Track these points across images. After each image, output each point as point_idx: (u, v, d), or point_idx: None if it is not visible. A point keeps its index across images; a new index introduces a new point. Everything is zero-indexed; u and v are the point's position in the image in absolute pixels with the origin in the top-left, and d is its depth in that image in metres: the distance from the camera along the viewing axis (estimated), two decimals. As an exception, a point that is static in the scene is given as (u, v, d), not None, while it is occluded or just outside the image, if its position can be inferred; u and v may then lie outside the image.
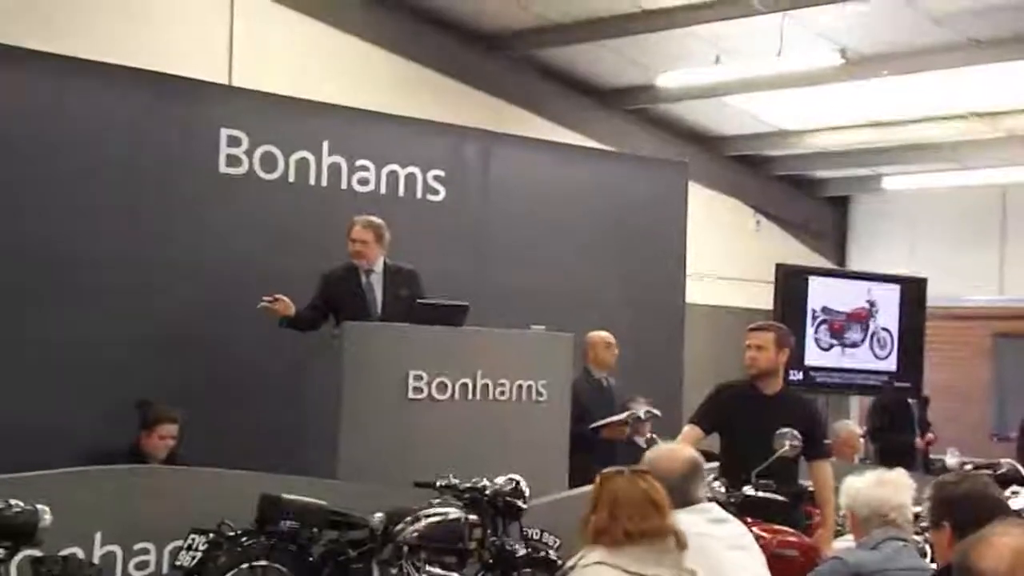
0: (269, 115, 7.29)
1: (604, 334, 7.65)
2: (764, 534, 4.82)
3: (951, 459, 8.72)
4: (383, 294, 6.52)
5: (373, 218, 6.59)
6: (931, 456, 10.15)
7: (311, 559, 4.94)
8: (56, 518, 4.10)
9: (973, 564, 2.35)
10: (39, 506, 4.07)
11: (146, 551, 5.00)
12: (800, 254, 14.11)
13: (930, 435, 10.35)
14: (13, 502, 4.07)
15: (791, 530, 5.18)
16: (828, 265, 14.26)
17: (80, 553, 4.68)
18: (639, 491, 3.23)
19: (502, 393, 6.41)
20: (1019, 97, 11.33)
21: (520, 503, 5.25)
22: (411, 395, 6.13)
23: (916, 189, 13.78)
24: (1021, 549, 2.35)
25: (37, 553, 4.20)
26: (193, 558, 4.62)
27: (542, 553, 5.46)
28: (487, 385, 6.36)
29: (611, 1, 10.00)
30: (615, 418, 7.33)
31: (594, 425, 7.23)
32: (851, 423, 8.97)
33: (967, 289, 13.50)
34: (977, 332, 13.95)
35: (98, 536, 4.84)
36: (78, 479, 4.92)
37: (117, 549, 4.91)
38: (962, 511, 3.18)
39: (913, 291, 11.52)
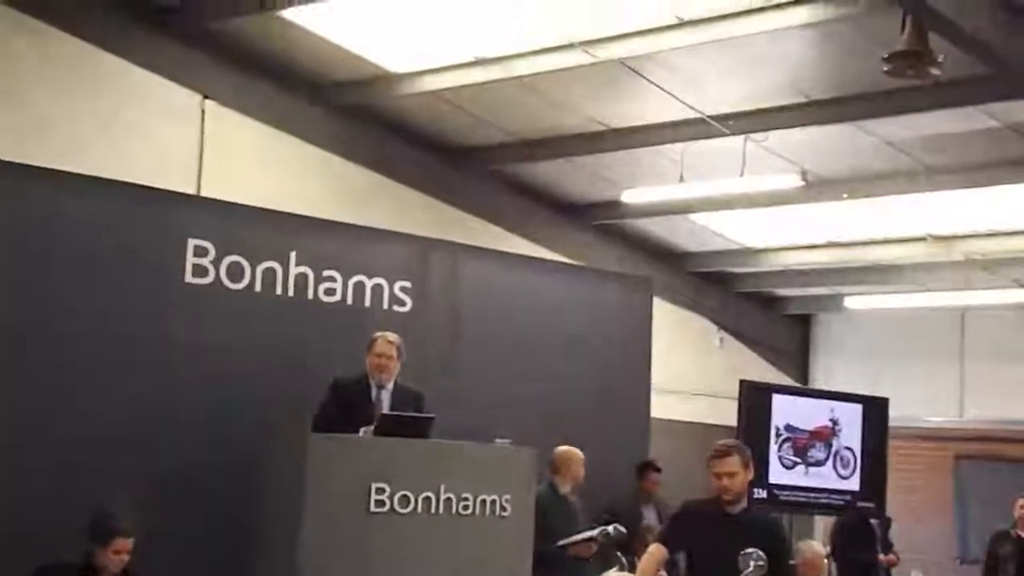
0: (236, 225, 7.31)
1: (577, 450, 7.61)
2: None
3: (916, 581, 8.68)
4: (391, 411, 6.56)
5: (395, 336, 6.78)
6: (895, 577, 10.11)
7: None
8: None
9: None
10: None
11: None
12: (763, 371, 14.19)
13: (892, 555, 10.31)
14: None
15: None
16: (791, 382, 14.34)
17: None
18: None
19: (465, 507, 6.32)
20: (975, 222, 11.59)
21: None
22: (373, 508, 6.04)
23: (877, 309, 13.96)
24: None
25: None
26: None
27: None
28: (450, 499, 6.27)
29: (578, 119, 10.20)
30: (583, 535, 7.24)
31: (562, 543, 7.15)
32: (816, 543, 8.90)
33: (927, 410, 13.60)
34: (938, 453, 14.00)
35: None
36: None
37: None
38: None
39: (875, 411, 11.58)
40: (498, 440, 6.61)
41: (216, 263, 7.05)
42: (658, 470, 9.01)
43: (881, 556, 10.14)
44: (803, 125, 9.59)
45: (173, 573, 5.53)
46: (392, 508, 6.07)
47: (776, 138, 9.86)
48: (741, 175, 10.09)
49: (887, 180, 10.57)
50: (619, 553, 7.38)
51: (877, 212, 11.53)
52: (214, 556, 6.22)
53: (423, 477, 6.20)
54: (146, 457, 6.55)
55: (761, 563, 5.17)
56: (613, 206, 11.80)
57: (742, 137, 9.77)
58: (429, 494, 6.21)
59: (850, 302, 13.82)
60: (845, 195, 10.82)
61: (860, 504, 11.00)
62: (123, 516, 5.84)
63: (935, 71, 7.19)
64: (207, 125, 9.55)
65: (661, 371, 9.71)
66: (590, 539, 7.24)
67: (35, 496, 6.15)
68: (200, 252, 7.00)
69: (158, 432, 6.66)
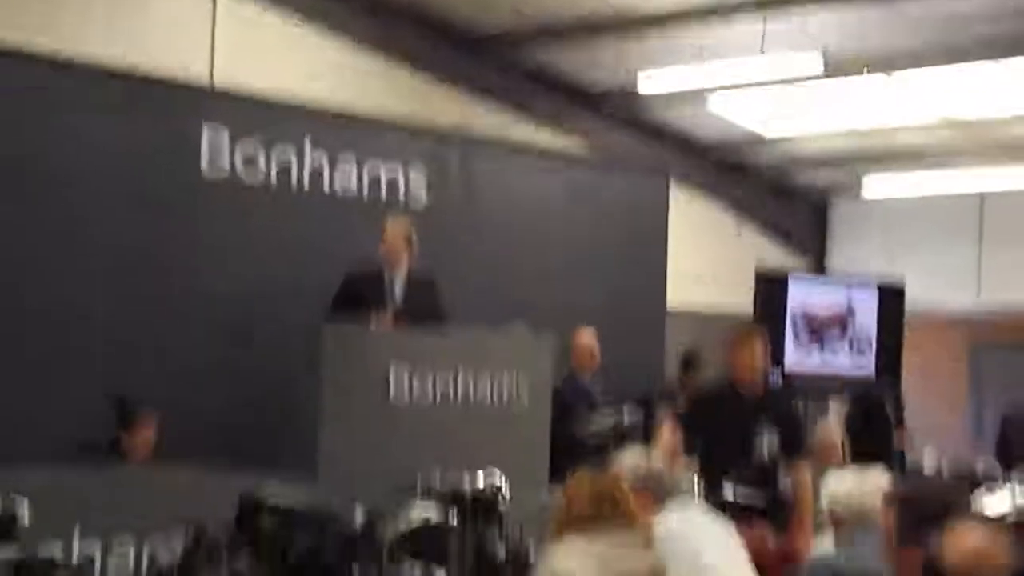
0: (250, 115, 7.25)
1: (591, 333, 7.67)
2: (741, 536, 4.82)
3: (929, 460, 8.74)
4: (403, 301, 6.58)
5: (404, 221, 6.75)
6: (908, 458, 10.20)
7: (291, 560, 4.92)
8: (34, 513, 4.09)
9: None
10: (17, 496, 4.07)
11: (125, 547, 5.01)
12: (780, 259, 14.17)
13: (901, 427, 10.34)
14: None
15: (768, 533, 5.19)
16: (808, 270, 14.33)
17: (59, 548, 4.67)
18: (593, 484, 3.26)
19: (483, 395, 6.40)
20: (997, 105, 11.42)
21: (501, 505, 5.25)
22: (392, 395, 6.12)
23: (895, 196, 13.86)
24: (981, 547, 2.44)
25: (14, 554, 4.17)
26: (171, 558, 4.62)
27: (521, 554, 5.46)
28: (468, 387, 6.35)
29: (594, 2, 10.02)
30: (603, 423, 7.32)
31: (578, 436, 7.23)
32: (832, 426, 8.98)
33: (944, 296, 13.58)
34: (954, 339, 14.03)
35: (76, 531, 4.85)
36: (56, 474, 4.91)
37: (96, 544, 4.92)
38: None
39: (891, 296, 11.58)
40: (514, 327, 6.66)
41: (231, 155, 7.01)
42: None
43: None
44: (824, 1, 9.41)
45: (197, 458, 5.62)
46: (410, 397, 6.15)
47: (797, 19, 9.67)
48: (761, 53, 9.90)
49: (909, 58, 10.38)
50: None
51: (897, 96, 11.36)
52: (236, 443, 6.31)
53: (440, 366, 6.26)
54: (167, 347, 6.61)
55: (775, 443, 5.24)
56: (629, 95, 11.65)
57: (761, 19, 9.59)
58: (447, 383, 6.27)
59: (868, 189, 13.72)
60: (866, 68, 10.60)
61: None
62: (144, 400, 5.95)
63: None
64: (218, 12, 9.42)
65: (677, 259, 9.70)
66: (610, 427, 7.31)
67: (65, 386, 6.23)
68: (214, 143, 6.96)
69: (181, 322, 6.71)
